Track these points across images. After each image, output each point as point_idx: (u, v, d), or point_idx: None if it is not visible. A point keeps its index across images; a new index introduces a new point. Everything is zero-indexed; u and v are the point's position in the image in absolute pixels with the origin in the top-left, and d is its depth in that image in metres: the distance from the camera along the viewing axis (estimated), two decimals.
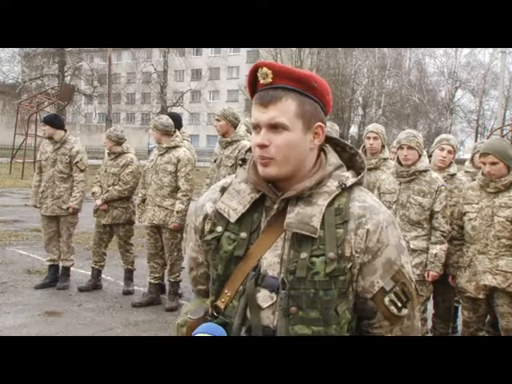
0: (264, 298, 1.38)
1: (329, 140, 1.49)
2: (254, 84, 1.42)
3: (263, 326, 1.37)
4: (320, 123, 1.42)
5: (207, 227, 1.48)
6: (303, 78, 1.38)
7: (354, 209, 1.39)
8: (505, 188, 3.69)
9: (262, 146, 1.37)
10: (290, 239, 1.38)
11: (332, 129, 4.10)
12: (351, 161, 1.50)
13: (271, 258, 1.39)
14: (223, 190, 1.50)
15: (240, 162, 1.53)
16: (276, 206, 1.40)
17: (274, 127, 1.36)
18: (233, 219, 1.42)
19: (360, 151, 1.53)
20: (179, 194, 5.31)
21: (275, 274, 1.38)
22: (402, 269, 1.41)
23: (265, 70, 1.37)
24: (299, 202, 1.39)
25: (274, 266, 1.38)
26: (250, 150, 1.55)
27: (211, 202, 1.50)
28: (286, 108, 1.36)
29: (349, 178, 1.43)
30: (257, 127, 1.39)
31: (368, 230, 1.37)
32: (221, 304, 1.43)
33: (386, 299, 1.40)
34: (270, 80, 1.37)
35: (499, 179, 3.68)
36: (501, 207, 3.68)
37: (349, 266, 1.36)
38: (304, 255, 1.35)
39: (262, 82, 1.38)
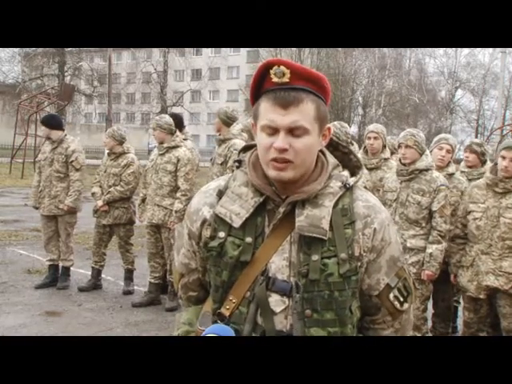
0: (276, 302, 1.36)
1: None
2: (260, 81, 1.35)
3: (277, 331, 1.34)
4: (329, 125, 1.41)
5: (206, 233, 1.43)
6: (319, 79, 1.34)
7: (359, 208, 1.40)
8: None
9: (283, 150, 1.30)
10: (298, 242, 1.37)
11: (341, 130, 4.07)
12: (343, 160, 1.48)
13: (279, 262, 1.37)
14: (220, 193, 1.44)
15: (237, 164, 1.47)
16: (282, 210, 1.37)
17: (295, 131, 1.31)
18: (236, 224, 1.38)
19: (360, 150, 1.54)
20: (178, 194, 5.32)
21: (285, 278, 1.36)
22: (403, 265, 1.45)
23: (282, 68, 1.31)
24: (306, 204, 1.37)
25: (282, 270, 1.37)
26: (243, 150, 1.51)
27: (208, 207, 1.45)
28: (307, 111, 1.32)
29: (348, 177, 1.42)
30: (272, 129, 1.32)
31: (375, 229, 1.39)
32: (225, 311, 1.39)
33: (391, 295, 1.42)
34: (287, 80, 1.31)
35: (509, 179, 3.64)
36: (507, 208, 3.64)
37: (358, 265, 1.37)
38: (315, 257, 1.34)
39: (275, 80, 1.32)
